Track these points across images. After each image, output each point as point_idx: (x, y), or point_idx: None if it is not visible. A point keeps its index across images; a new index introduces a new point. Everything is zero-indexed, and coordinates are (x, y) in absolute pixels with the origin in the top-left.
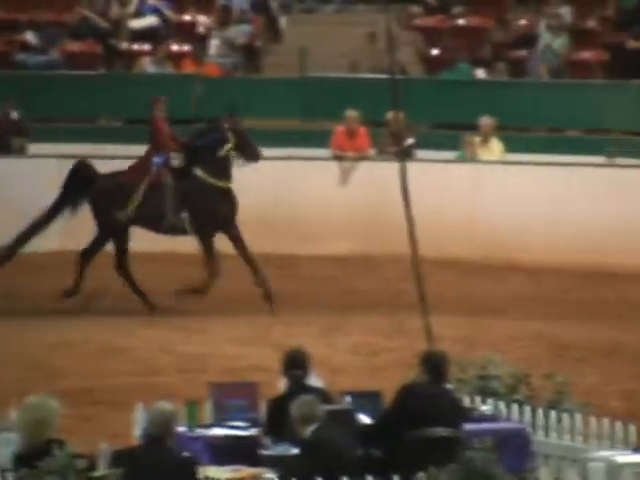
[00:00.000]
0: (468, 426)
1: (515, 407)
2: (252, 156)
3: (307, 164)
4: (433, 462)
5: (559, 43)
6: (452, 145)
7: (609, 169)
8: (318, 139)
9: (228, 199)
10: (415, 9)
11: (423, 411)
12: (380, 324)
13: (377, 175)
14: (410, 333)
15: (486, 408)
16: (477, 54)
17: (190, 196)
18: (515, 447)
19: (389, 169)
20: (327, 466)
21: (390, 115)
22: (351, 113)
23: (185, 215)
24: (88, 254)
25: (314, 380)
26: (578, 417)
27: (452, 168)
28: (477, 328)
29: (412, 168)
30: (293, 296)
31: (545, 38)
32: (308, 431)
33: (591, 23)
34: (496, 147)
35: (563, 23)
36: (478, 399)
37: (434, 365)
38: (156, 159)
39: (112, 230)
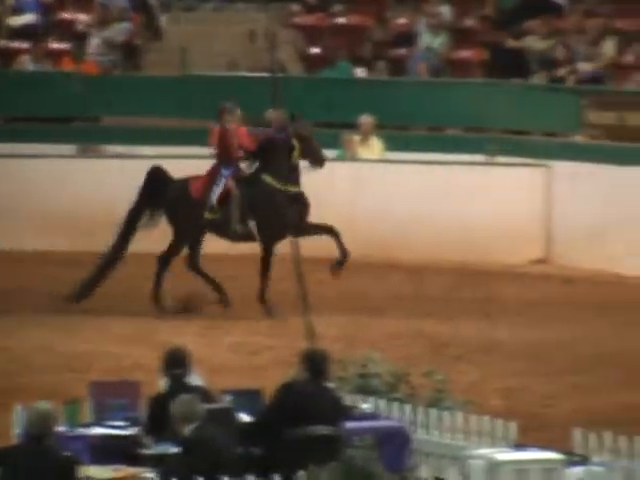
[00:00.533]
0: (349, 424)
1: (395, 405)
2: (317, 161)
3: (186, 162)
4: (314, 460)
5: (438, 42)
6: (332, 144)
7: (489, 167)
8: (197, 137)
9: (298, 203)
10: (295, 7)
11: (303, 409)
12: (261, 323)
13: None
14: (291, 332)
15: (366, 406)
16: (357, 53)
17: (257, 203)
18: (395, 445)
19: None
20: (207, 465)
21: (270, 113)
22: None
23: (252, 223)
24: (166, 259)
25: (194, 379)
26: (459, 415)
27: (332, 167)
28: (357, 326)
29: None
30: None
31: (425, 37)
32: (188, 430)
33: (470, 22)
34: (376, 146)
35: (442, 22)
36: (358, 397)
37: (314, 363)
38: (224, 171)
39: (189, 236)
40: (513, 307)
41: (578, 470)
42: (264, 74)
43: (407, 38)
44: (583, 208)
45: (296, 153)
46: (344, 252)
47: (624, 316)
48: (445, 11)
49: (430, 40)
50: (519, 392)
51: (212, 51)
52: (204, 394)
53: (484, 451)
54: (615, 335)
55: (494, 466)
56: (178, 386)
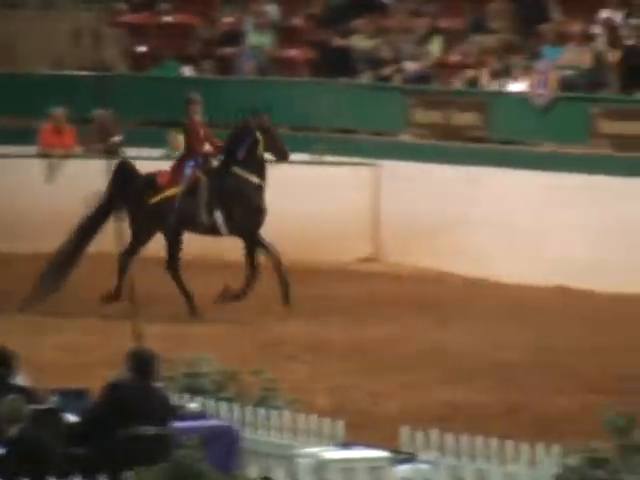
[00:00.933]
0: (176, 424)
1: (224, 405)
2: (281, 155)
3: (14, 162)
4: (142, 460)
5: (265, 41)
6: (159, 142)
7: (317, 166)
8: (24, 136)
9: (261, 196)
10: (121, 6)
11: (130, 409)
12: (89, 322)
13: (83, 172)
14: (119, 331)
15: (194, 406)
16: (184, 51)
17: (228, 194)
18: (224, 445)
19: (96, 166)
20: (33, 466)
21: (97, 112)
22: (57, 111)
23: (218, 214)
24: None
25: (19, 379)
26: (286, 414)
27: (160, 165)
28: (186, 326)
29: None
30: (5, 295)
31: (252, 36)
32: (13, 431)
33: (297, 21)
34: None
35: (269, 21)
36: (186, 397)
37: (142, 363)
38: (189, 163)
39: (149, 233)
40: (342, 305)
41: (405, 468)
42: (90, 73)
43: (234, 37)
44: (411, 206)
45: (260, 147)
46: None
47: (448, 314)
48: (272, 10)
49: (257, 39)
50: (347, 390)
51: (38, 49)
52: (29, 394)
53: (312, 450)
54: (439, 333)
55: (322, 465)
56: (2, 386)
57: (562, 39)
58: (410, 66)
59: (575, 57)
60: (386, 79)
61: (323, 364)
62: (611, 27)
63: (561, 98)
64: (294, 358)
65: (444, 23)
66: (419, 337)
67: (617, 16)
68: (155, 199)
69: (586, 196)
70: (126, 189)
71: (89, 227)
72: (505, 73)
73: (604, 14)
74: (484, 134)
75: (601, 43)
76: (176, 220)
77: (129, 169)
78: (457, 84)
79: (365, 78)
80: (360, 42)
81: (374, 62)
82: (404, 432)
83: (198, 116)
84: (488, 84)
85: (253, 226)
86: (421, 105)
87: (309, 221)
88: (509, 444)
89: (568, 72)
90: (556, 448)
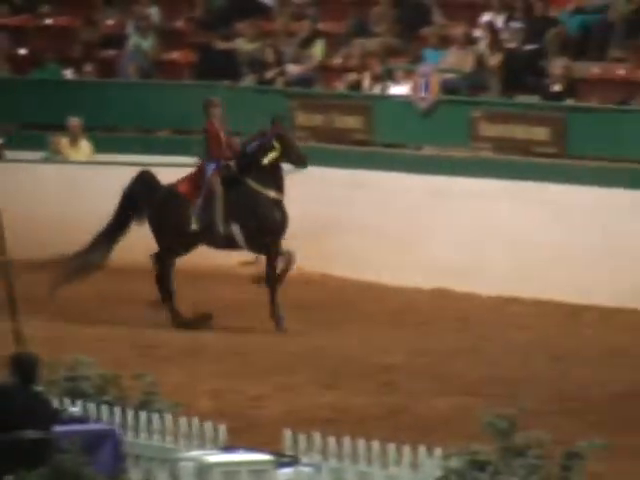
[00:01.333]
0: (58, 428)
1: (105, 408)
2: (299, 162)
3: None
4: (23, 465)
5: (147, 44)
6: (40, 145)
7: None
8: None
9: (278, 210)
10: (1, 8)
11: (11, 413)
12: None
13: None
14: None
15: (75, 410)
16: (65, 54)
17: (241, 206)
18: (106, 448)
19: None
20: None
21: None
22: None
23: (236, 226)
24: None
25: None
26: (168, 417)
27: (41, 169)
28: (66, 329)
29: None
30: None
31: (134, 38)
32: None
33: (179, 24)
34: (85, 147)
35: (151, 24)
36: (67, 401)
37: (23, 367)
38: (210, 167)
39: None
40: (222, 308)
41: (287, 471)
42: None
43: (116, 39)
44: (294, 209)
45: (275, 155)
46: (283, 274)
47: (330, 317)
48: (154, 13)
49: (139, 41)
50: (228, 394)
51: None
52: None
53: (194, 453)
54: (321, 335)
55: (204, 468)
56: None
57: (444, 43)
58: (293, 69)
59: (457, 61)
60: (269, 82)
61: (202, 367)
62: (492, 31)
63: (443, 101)
64: (172, 361)
65: (327, 26)
66: (300, 340)
67: (498, 20)
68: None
69: (467, 199)
70: (148, 199)
71: (110, 235)
72: (387, 76)
73: (485, 18)
74: (367, 137)
75: (482, 47)
76: (193, 237)
77: (149, 178)
78: (340, 87)
79: (248, 81)
80: (243, 45)
81: (257, 65)
82: (286, 435)
83: (217, 119)
84: (371, 87)
85: (269, 241)
86: (304, 108)
87: None
88: (391, 447)
89: (450, 75)
90: (438, 451)
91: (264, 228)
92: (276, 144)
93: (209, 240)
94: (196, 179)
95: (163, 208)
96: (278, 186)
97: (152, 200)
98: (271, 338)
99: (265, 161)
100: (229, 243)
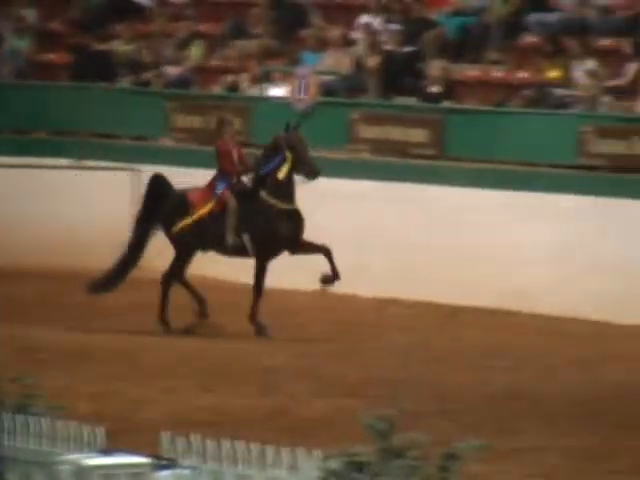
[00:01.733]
0: None
1: None
2: (310, 173)
3: None
4: None
5: (23, 45)
6: None
7: (76, 171)
8: None
9: (293, 221)
10: None
11: None
12: None
13: None
14: None
15: None
16: None
17: (252, 218)
18: None
19: None
20: None
21: None
22: None
23: (246, 236)
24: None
25: None
26: (45, 420)
27: None
28: None
29: None
30: None
31: (10, 40)
32: None
33: (56, 25)
34: None
35: (27, 25)
36: None
37: None
38: (220, 184)
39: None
40: (106, 311)
41: (166, 474)
42: None
43: None
44: None
45: (289, 167)
46: (335, 273)
47: (212, 319)
48: (30, 14)
49: (16, 43)
50: (108, 396)
51: None
52: None
53: (72, 456)
54: (201, 338)
55: (82, 471)
56: None
57: (322, 44)
58: (170, 71)
59: (335, 62)
60: (146, 84)
61: (84, 370)
62: (370, 32)
63: (321, 103)
64: (52, 364)
65: (204, 28)
66: (181, 343)
67: (376, 21)
68: (186, 221)
69: (345, 200)
70: (160, 205)
71: (136, 244)
72: (265, 78)
73: (364, 19)
74: (246, 139)
75: (361, 48)
76: (203, 243)
77: (162, 184)
78: (217, 89)
79: (125, 82)
80: (120, 46)
81: (134, 66)
82: (165, 438)
83: (229, 137)
84: (249, 89)
85: (273, 253)
86: (181, 110)
87: (70, 226)
88: (270, 449)
89: (328, 77)
90: (317, 452)
91: (275, 241)
92: (288, 154)
93: (217, 247)
94: (207, 191)
95: (172, 213)
96: (290, 196)
97: (164, 205)
98: (153, 341)
99: (280, 176)
100: (238, 252)
